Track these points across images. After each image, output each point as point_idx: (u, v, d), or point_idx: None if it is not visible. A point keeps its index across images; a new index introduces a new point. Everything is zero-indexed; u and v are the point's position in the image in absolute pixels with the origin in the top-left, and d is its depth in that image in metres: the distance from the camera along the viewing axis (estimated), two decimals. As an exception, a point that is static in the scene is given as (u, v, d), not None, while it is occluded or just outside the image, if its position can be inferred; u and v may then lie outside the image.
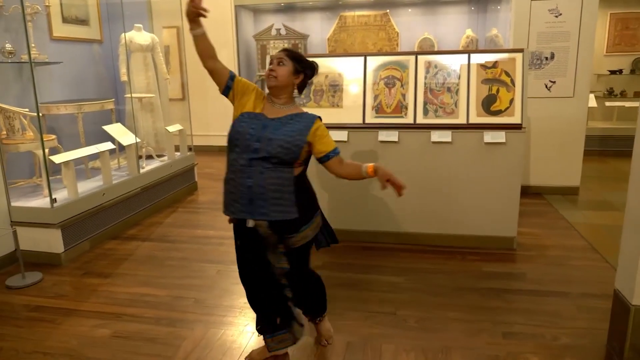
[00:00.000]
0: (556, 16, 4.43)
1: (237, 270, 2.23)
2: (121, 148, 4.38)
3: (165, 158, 4.86)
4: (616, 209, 4.38)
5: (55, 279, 3.17)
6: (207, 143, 7.14)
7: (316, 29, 7.40)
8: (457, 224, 3.49)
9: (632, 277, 2.12)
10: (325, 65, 3.58)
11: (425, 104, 3.40)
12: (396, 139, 3.40)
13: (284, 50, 2.13)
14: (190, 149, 5.17)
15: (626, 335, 2.16)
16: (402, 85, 3.43)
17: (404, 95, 3.44)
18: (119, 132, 4.15)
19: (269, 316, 2.22)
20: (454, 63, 3.38)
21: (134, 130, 4.34)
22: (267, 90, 2.16)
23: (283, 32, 7.14)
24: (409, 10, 7.33)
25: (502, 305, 2.73)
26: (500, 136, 3.29)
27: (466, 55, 3.37)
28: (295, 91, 2.18)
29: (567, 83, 4.52)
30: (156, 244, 3.76)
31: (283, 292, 2.18)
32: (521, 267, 3.21)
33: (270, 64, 2.11)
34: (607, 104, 6.70)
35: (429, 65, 3.41)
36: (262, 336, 2.28)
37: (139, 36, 4.78)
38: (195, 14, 2.02)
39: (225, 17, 7.06)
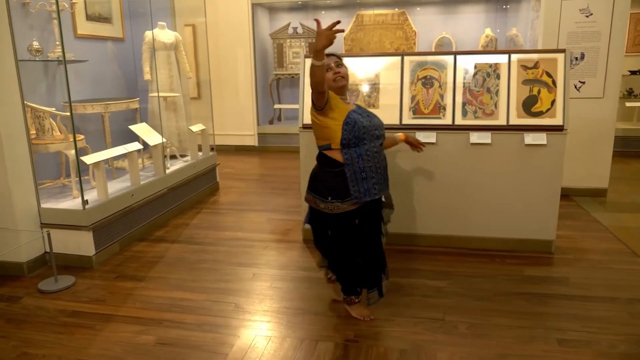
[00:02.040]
0: (587, 16, 4.37)
1: (338, 252, 2.54)
2: (144, 148, 4.31)
3: (188, 158, 4.79)
4: (648, 211, 4.34)
5: (88, 283, 3.10)
6: (223, 142, 7.07)
7: (333, 28, 7.33)
8: (495, 227, 3.44)
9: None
10: (361, 64, 3.51)
11: (464, 104, 3.34)
12: (434, 140, 3.34)
13: (333, 54, 2.46)
14: (212, 149, 5.10)
15: (692, 343, 2.11)
16: (440, 86, 3.37)
17: (442, 96, 3.37)
18: (145, 132, 4.07)
19: (373, 275, 2.58)
20: (494, 63, 3.32)
21: (159, 129, 4.26)
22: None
23: (300, 30, 7.07)
24: (427, 9, 7.27)
25: (551, 310, 2.67)
26: (541, 138, 3.23)
27: (506, 56, 3.31)
28: None
29: (597, 84, 4.47)
30: (185, 246, 3.69)
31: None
32: (562, 271, 3.16)
33: (329, 68, 2.40)
34: (628, 104, 6.66)
35: (468, 65, 3.35)
36: (349, 301, 2.64)
37: (162, 34, 4.70)
38: (332, 40, 2.16)
39: (242, 15, 6.99)
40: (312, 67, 2.18)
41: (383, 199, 2.54)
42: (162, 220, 4.14)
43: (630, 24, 6.77)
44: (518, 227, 3.41)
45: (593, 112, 4.52)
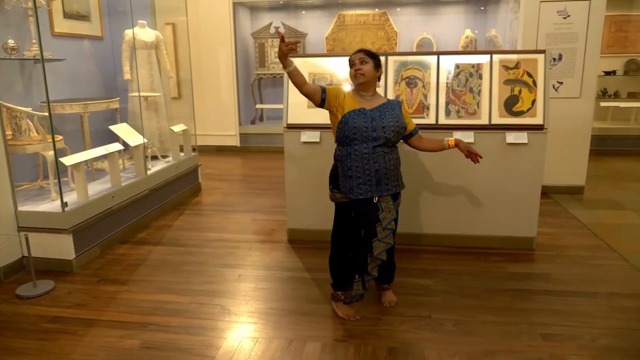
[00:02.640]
0: (564, 18, 4.47)
1: (335, 240, 2.65)
2: (125, 148, 4.24)
3: (170, 159, 4.72)
4: (624, 207, 4.46)
5: (69, 287, 3.03)
6: (204, 143, 6.99)
7: (314, 28, 7.34)
8: (478, 225, 3.48)
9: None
10: (345, 64, 3.51)
11: (447, 104, 3.38)
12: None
13: (361, 50, 2.49)
14: (194, 150, 5.04)
15: (670, 336, 2.17)
16: (423, 86, 3.40)
17: (425, 96, 3.40)
18: (125, 132, 4.00)
19: (353, 274, 2.54)
20: (476, 63, 3.36)
21: (140, 130, 4.19)
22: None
23: (282, 30, 7.05)
24: (407, 9, 7.33)
25: (534, 306, 2.72)
26: (522, 137, 3.29)
27: (488, 56, 3.36)
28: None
29: (574, 84, 4.57)
30: (169, 248, 3.64)
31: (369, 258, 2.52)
32: (544, 268, 3.22)
33: (353, 64, 2.47)
34: (602, 104, 6.83)
35: (451, 65, 3.38)
36: (336, 297, 2.66)
37: (143, 33, 4.62)
38: (288, 52, 2.33)
39: (223, 15, 6.93)
40: (287, 73, 2.45)
41: (376, 201, 2.45)
42: (144, 222, 4.07)
43: (605, 26, 6.94)
44: (500, 225, 3.46)
45: (571, 112, 4.62)
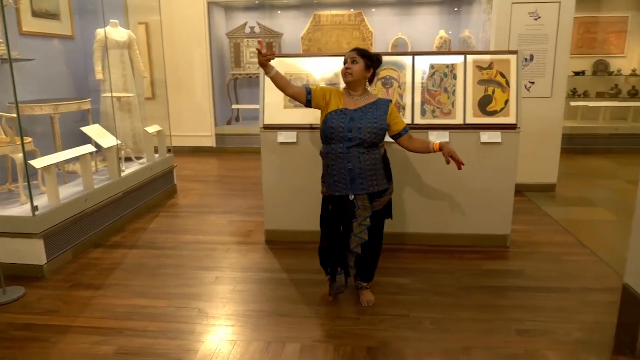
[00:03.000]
0: (535, 19, 4.57)
1: (321, 235, 2.73)
2: (97, 150, 4.14)
3: (144, 160, 4.64)
4: (594, 204, 4.59)
5: (40, 293, 2.94)
6: (179, 144, 6.90)
7: (290, 28, 7.32)
8: (453, 223, 3.53)
9: (646, 272, 2.19)
10: (320, 64, 3.52)
11: (422, 104, 3.41)
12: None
13: (355, 49, 2.56)
14: (169, 151, 4.96)
15: (638, 327, 2.24)
16: (399, 86, 3.43)
17: (401, 96, 3.43)
18: (98, 134, 3.91)
19: (336, 266, 2.66)
20: (451, 64, 3.41)
21: (113, 131, 4.10)
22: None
23: (257, 30, 7.01)
24: (382, 10, 7.38)
25: (509, 302, 2.78)
26: (496, 136, 3.35)
27: (462, 56, 3.40)
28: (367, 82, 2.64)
29: (545, 84, 4.68)
30: (144, 251, 3.57)
31: (347, 251, 2.63)
32: (518, 264, 3.28)
33: (345, 62, 2.53)
34: (572, 103, 7.02)
35: (425, 65, 3.42)
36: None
37: (115, 32, 4.53)
38: (267, 61, 2.51)
39: (197, 14, 6.84)
40: (270, 79, 2.60)
41: (352, 198, 2.52)
42: (118, 225, 3.99)
43: (573, 27, 7.13)
44: (475, 223, 3.52)
45: (542, 111, 4.73)
